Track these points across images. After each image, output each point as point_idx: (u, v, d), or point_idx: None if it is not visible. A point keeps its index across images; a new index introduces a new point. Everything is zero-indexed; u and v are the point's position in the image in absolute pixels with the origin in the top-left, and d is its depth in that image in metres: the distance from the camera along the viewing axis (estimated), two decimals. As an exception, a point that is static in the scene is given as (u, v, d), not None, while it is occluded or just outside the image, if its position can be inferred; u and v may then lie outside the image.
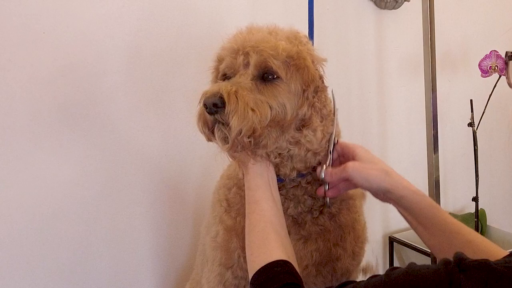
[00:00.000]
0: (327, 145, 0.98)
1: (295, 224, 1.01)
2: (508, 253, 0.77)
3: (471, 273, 0.63)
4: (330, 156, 0.97)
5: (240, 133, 0.84)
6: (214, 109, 0.85)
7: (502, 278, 0.62)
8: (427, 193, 1.61)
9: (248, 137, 0.86)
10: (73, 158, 1.36)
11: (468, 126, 1.72)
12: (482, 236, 0.88)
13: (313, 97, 0.94)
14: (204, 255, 1.12)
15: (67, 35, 1.31)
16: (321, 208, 1.01)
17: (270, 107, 0.87)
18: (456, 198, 2.05)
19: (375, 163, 0.93)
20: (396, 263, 1.92)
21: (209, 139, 0.92)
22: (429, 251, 1.42)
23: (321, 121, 0.96)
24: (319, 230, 1.01)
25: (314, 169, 0.98)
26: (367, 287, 0.71)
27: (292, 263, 0.83)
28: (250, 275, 0.84)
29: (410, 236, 1.80)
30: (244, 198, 0.97)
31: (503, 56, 1.44)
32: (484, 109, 1.71)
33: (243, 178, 0.98)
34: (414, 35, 1.72)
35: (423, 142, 1.59)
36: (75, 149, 1.36)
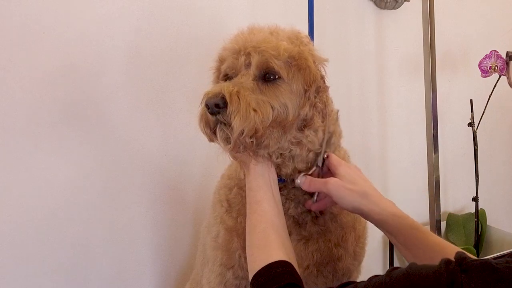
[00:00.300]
0: (316, 158, 0.97)
1: (296, 225, 1.01)
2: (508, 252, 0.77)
3: (472, 273, 0.63)
4: (314, 168, 0.97)
5: (242, 134, 0.84)
6: (216, 110, 0.85)
7: (503, 278, 0.62)
8: (427, 193, 1.61)
9: (250, 138, 0.85)
10: (73, 158, 1.36)
11: (468, 126, 1.73)
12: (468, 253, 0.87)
13: (315, 97, 0.94)
14: (205, 255, 1.12)
15: (67, 35, 1.31)
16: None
17: (272, 107, 0.87)
18: (456, 198, 2.05)
19: (355, 183, 0.92)
20: (396, 263, 1.92)
21: (211, 140, 0.92)
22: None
23: (323, 121, 0.96)
24: (320, 230, 1.01)
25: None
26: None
27: (292, 264, 0.83)
28: (251, 275, 0.84)
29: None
30: (245, 199, 0.97)
31: (503, 56, 1.44)
32: (484, 109, 1.71)
33: (245, 178, 0.98)
34: (414, 35, 1.72)
35: (423, 142, 1.59)
36: (75, 149, 1.36)
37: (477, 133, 1.74)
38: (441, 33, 1.70)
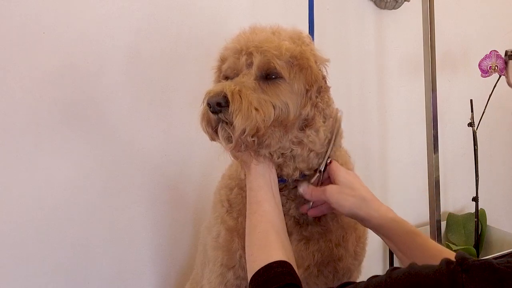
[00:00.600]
0: (321, 160, 0.97)
1: (297, 225, 1.01)
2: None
3: (473, 273, 0.63)
4: (317, 175, 0.97)
5: (244, 133, 0.84)
6: (217, 108, 0.85)
7: (505, 278, 0.62)
8: (427, 193, 1.61)
9: (252, 137, 0.85)
10: (73, 158, 1.36)
11: (468, 126, 1.73)
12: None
13: (316, 97, 0.94)
14: (205, 256, 1.12)
15: (67, 35, 1.31)
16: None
17: (274, 107, 0.87)
18: (456, 198, 2.05)
19: (354, 189, 0.93)
20: (396, 263, 1.92)
21: (212, 139, 0.92)
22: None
23: (324, 122, 0.96)
24: (321, 231, 1.01)
25: (315, 170, 0.98)
26: None
27: (292, 265, 0.83)
28: (250, 275, 0.84)
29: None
30: (246, 199, 0.97)
31: (503, 56, 1.44)
32: (484, 109, 1.71)
33: (245, 178, 0.98)
34: (414, 35, 1.72)
35: (423, 142, 1.59)
36: (75, 149, 1.36)
37: (477, 133, 1.74)
38: (441, 33, 1.70)
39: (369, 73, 1.81)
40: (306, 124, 0.94)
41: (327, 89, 0.98)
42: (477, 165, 1.77)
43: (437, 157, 1.56)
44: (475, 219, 1.84)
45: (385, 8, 1.77)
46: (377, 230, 0.92)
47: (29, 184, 1.32)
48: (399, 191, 1.90)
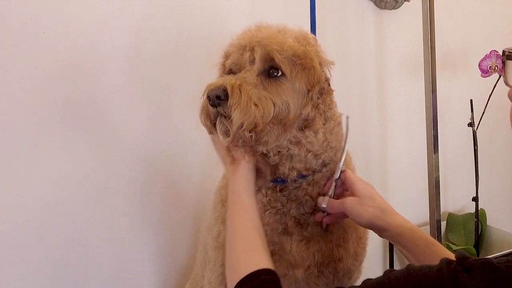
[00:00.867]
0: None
1: (297, 225, 1.00)
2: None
3: (475, 272, 0.63)
4: (333, 185, 0.98)
5: (242, 127, 0.84)
6: (217, 102, 0.85)
7: (505, 277, 0.62)
8: (427, 193, 1.61)
9: (250, 132, 0.85)
10: (73, 158, 1.36)
11: (468, 126, 1.73)
12: None
13: (318, 98, 0.94)
14: (205, 256, 1.12)
15: (67, 35, 1.31)
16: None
17: (274, 104, 0.87)
18: (456, 198, 2.05)
19: (373, 199, 0.94)
20: (396, 265, 1.92)
21: (210, 132, 0.92)
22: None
23: (324, 124, 0.96)
24: (321, 231, 1.01)
25: (315, 171, 0.98)
26: None
27: (276, 273, 0.81)
28: (234, 279, 0.80)
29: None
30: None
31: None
32: (484, 109, 1.71)
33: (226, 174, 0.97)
34: (414, 35, 1.71)
35: (423, 142, 1.59)
36: (75, 149, 1.36)
37: (477, 133, 1.74)
38: (441, 33, 1.69)
39: (369, 73, 1.80)
40: (305, 124, 0.94)
41: (330, 91, 0.98)
42: (477, 165, 1.77)
43: (437, 157, 1.56)
44: (475, 219, 1.84)
45: (385, 8, 1.77)
46: (395, 240, 0.93)
47: (29, 184, 1.31)
48: (399, 191, 1.90)
